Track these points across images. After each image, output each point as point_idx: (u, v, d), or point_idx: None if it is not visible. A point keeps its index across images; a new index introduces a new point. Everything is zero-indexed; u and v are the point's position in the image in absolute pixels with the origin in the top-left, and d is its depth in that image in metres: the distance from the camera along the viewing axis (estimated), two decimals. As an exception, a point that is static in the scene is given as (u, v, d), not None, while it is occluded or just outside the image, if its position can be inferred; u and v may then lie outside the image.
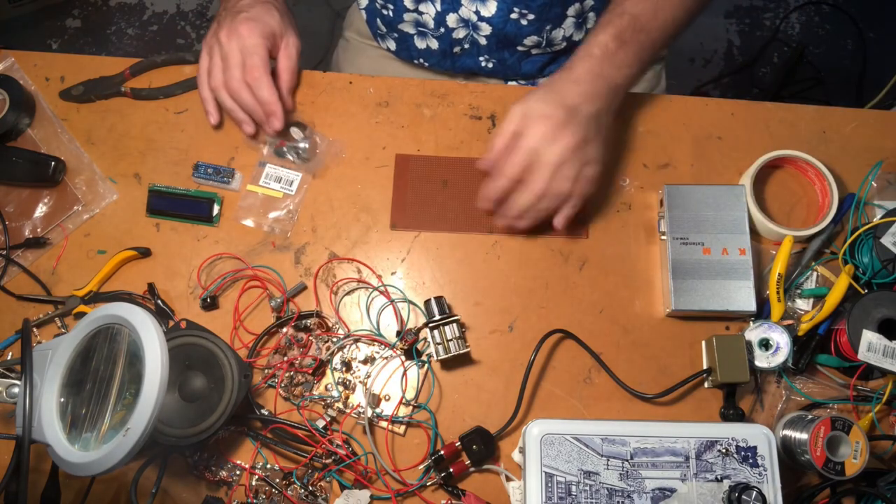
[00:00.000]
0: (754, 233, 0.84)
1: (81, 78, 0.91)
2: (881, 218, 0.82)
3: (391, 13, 0.97)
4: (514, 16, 0.91)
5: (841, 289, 0.78)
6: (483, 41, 0.96)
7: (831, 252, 0.84)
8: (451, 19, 0.94)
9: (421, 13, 0.95)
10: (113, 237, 0.86)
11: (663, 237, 0.82)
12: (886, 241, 0.80)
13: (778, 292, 0.79)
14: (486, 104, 0.91)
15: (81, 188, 0.88)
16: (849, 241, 0.81)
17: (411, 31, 0.99)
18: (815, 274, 0.82)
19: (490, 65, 1.01)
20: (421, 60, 1.04)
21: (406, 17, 0.96)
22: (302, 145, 0.88)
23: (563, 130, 0.75)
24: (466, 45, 0.98)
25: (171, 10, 2.16)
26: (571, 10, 0.93)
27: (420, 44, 1.00)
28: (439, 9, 0.93)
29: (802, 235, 0.82)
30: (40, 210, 0.88)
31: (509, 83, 1.05)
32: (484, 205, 0.81)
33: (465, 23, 0.94)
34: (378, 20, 1.02)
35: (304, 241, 0.86)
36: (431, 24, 0.95)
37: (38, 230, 0.87)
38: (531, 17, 0.91)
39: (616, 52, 0.79)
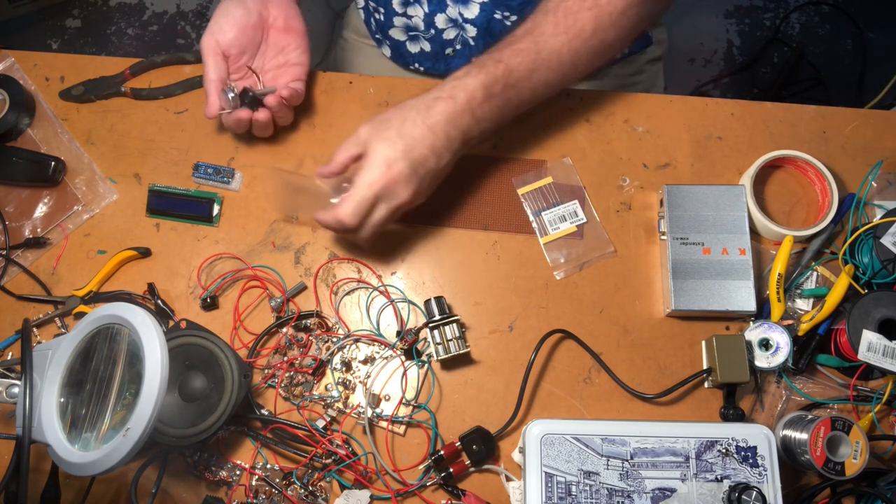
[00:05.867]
0: (754, 233, 0.84)
1: (81, 78, 0.91)
2: (881, 218, 0.82)
3: (382, 17, 0.97)
4: (497, 16, 0.91)
5: (841, 289, 0.78)
6: (472, 41, 0.96)
7: (831, 252, 0.84)
8: (440, 20, 0.94)
9: (410, 16, 0.95)
10: (113, 237, 0.86)
11: (663, 237, 0.82)
12: (886, 241, 0.80)
13: (778, 292, 0.79)
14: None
15: (81, 188, 0.88)
16: (849, 241, 0.81)
17: (402, 37, 0.99)
18: (815, 274, 0.82)
19: None
20: (416, 65, 1.04)
21: (396, 21, 0.96)
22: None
23: (401, 188, 0.73)
24: (458, 46, 0.98)
25: (171, 10, 2.16)
26: None
27: (413, 48, 1.00)
28: (427, 10, 0.93)
29: (802, 235, 0.82)
30: (40, 210, 0.88)
31: None
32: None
33: (454, 22, 0.94)
34: (372, 22, 1.02)
35: (304, 241, 0.86)
36: (422, 25, 0.95)
37: (38, 230, 0.87)
38: (514, 18, 0.91)
39: (481, 103, 0.75)
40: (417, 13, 0.94)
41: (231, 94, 0.81)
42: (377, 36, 1.04)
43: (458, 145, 0.76)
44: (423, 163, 0.74)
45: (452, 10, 0.92)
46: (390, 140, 0.73)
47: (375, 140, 0.74)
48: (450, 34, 0.96)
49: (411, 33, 0.98)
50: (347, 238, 0.83)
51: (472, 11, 0.91)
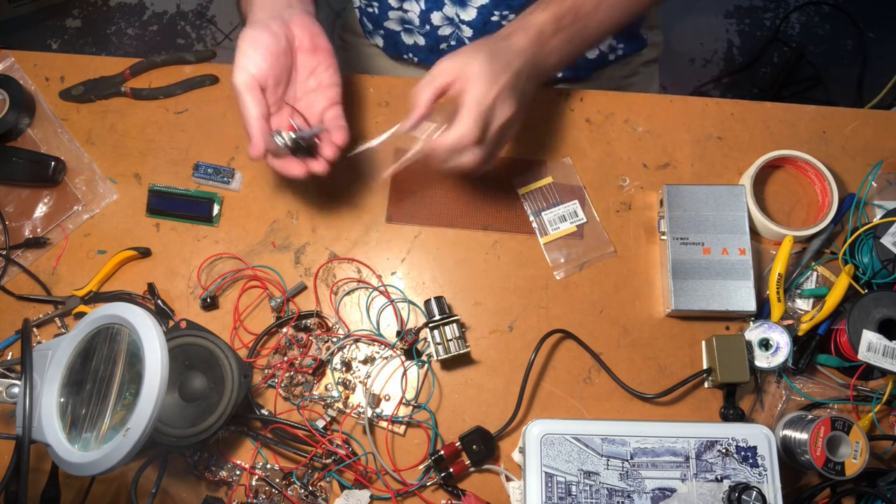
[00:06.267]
0: (754, 233, 0.84)
1: (81, 78, 0.91)
2: (881, 218, 0.82)
3: (376, 10, 0.97)
4: (494, 18, 0.91)
5: (841, 289, 0.78)
6: (468, 39, 0.96)
7: (831, 252, 0.84)
8: (436, 17, 0.94)
9: (406, 11, 0.95)
10: (113, 237, 0.86)
11: (663, 237, 0.82)
12: (886, 241, 0.80)
13: (778, 292, 0.79)
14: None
15: (81, 188, 0.88)
16: (849, 241, 0.81)
17: (397, 28, 0.99)
18: (815, 274, 0.82)
19: None
20: (410, 55, 1.03)
21: (391, 14, 0.96)
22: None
23: (507, 102, 0.72)
24: (453, 42, 0.98)
25: (171, 10, 2.16)
26: None
27: (407, 40, 1.00)
28: (423, 7, 0.93)
29: (802, 235, 0.82)
30: (40, 210, 0.88)
31: None
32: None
33: (450, 21, 0.94)
34: (365, 18, 1.02)
35: (304, 241, 0.86)
36: (417, 21, 0.95)
37: (38, 230, 0.87)
38: (512, 17, 0.91)
39: (550, 37, 0.77)
40: (413, 9, 0.94)
41: (281, 140, 0.73)
42: (369, 28, 1.04)
43: (536, 75, 0.77)
44: (519, 79, 0.74)
45: (449, 10, 0.92)
46: (486, 60, 0.72)
47: (470, 64, 0.71)
48: (445, 31, 0.96)
49: (406, 26, 0.98)
50: (460, 167, 0.74)
51: (469, 14, 0.91)
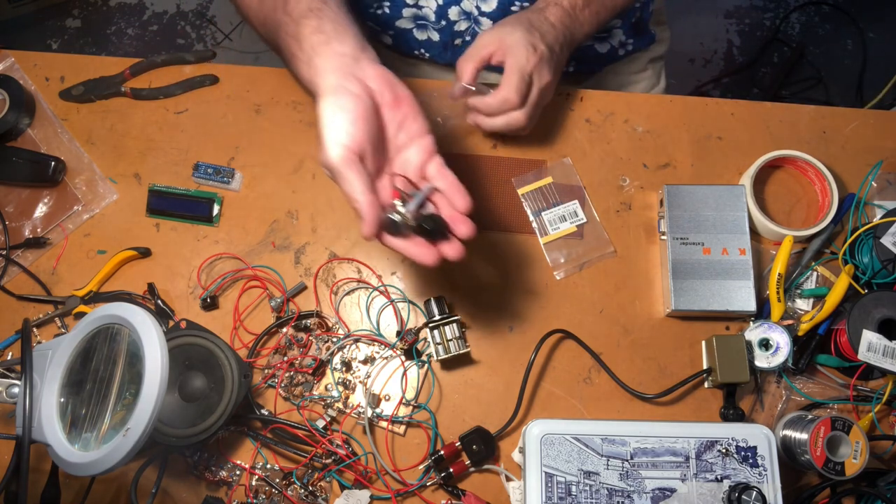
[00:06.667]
0: (754, 233, 0.84)
1: (81, 78, 0.91)
2: (881, 218, 0.82)
3: (387, 10, 0.97)
4: (514, 9, 0.91)
5: (841, 289, 0.78)
6: None
7: (831, 252, 0.84)
8: (454, 12, 0.93)
9: (421, 7, 0.94)
10: (113, 237, 0.86)
11: (663, 237, 0.82)
12: (886, 241, 0.80)
13: (778, 292, 0.79)
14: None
15: (81, 188, 0.88)
16: (849, 241, 0.81)
17: (409, 25, 0.98)
18: (815, 274, 0.82)
19: None
20: (422, 51, 1.03)
21: (405, 12, 0.96)
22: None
23: (546, 68, 0.79)
24: (468, 38, 0.98)
25: (171, 10, 2.16)
26: None
27: (420, 35, 1.00)
28: (441, 2, 0.92)
29: (802, 235, 0.82)
30: (40, 210, 0.88)
31: None
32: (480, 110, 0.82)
33: (468, 16, 0.94)
34: (369, 22, 1.00)
35: (304, 241, 0.86)
36: (432, 16, 0.95)
37: (38, 230, 0.87)
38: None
39: (583, 9, 0.84)
40: (429, 4, 0.93)
41: (398, 217, 0.63)
42: (375, 30, 1.03)
43: (568, 42, 0.84)
44: (554, 48, 0.81)
45: (468, 3, 0.92)
46: (525, 31, 0.79)
47: (511, 34, 0.78)
48: (461, 26, 0.96)
49: (419, 22, 0.98)
50: (505, 127, 0.82)
51: (490, 5, 0.91)
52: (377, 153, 0.66)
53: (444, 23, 0.96)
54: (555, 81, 0.82)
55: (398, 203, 0.64)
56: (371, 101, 0.65)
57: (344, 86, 0.64)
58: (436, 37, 0.99)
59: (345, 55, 0.66)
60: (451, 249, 0.65)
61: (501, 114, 0.80)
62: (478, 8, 0.92)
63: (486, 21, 0.94)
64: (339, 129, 0.62)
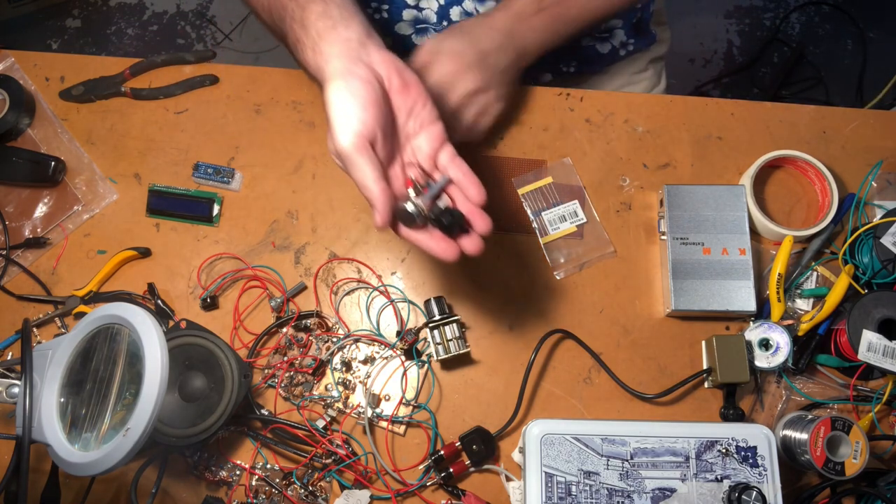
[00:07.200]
0: (754, 233, 0.84)
1: (81, 78, 0.91)
2: (881, 218, 0.82)
3: (386, 14, 0.96)
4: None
5: (841, 289, 0.78)
6: None
7: (831, 252, 0.84)
8: (455, 13, 0.93)
9: (422, 9, 0.94)
10: (113, 237, 0.86)
11: (663, 237, 0.82)
12: (886, 241, 0.80)
13: (778, 292, 0.79)
14: (486, 104, 0.91)
15: (81, 188, 0.88)
16: (849, 241, 0.81)
17: (408, 31, 0.98)
18: (815, 274, 0.82)
19: None
20: None
21: (405, 14, 0.96)
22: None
23: (470, 72, 0.77)
24: None
25: (171, 10, 2.16)
26: None
27: (419, 41, 1.00)
28: (443, 2, 0.92)
29: (802, 235, 0.82)
30: (40, 210, 0.88)
31: None
32: None
33: (469, 16, 0.94)
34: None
35: (304, 241, 0.86)
36: (434, 18, 0.95)
37: (38, 230, 0.87)
38: None
39: (533, 15, 0.81)
40: (431, 6, 0.93)
41: (413, 209, 0.62)
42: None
43: (515, 48, 0.81)
44: (488, 54, 0.78)
45: (469, 3, 0.92)
46: (456, 39, 0.78)
47: (442, 42, 0.78)
48: None
49: (419, 26, 0.97)
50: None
51: (489, 5, 0.91)
52: (388, 140, 0.64)
53: (445, 23, 0.95)
54: (492, 87, 0.79)
55: (412, 193, 0.63)
56: (380, 86, 0.63)
57: (352, 70, 0.62)
58: None
59: (351, 40, 0.64)
60: (471, 244, 0.64)
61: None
62: (476, 10, 0.92)
63: None
64: (349, 114, 0.60)
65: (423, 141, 0.66)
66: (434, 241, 0.63)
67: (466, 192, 0.65)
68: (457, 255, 0.63)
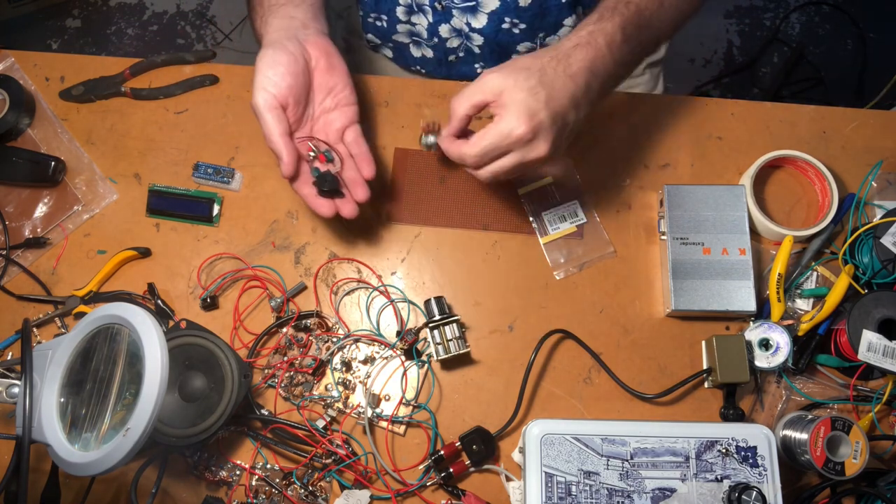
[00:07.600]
0: (754, 233, 0.84)
1: (81, 78, 0.91)
2: (881, 218, 0.82)
3: (385, 24, 0.97)
4: (505, 25, 0.91)
5: (841, 289, 0.78)
6: (477, 49, 0.96)
7: (831, 252, 0.84)
8: (444, 30, 0.94)
9: (414, 24, 0.95)
10: (113, 237, 0.86)
11: (663, 237, 0.82)
12: (886, 241, 0.80)
13: (778, 292, 0.79)
14: (486, 104, 0.91)
15: (81, 188, 0.88)
16: (849, 241, 0.81)
17: (406, 40, 0.99)
18: (815, 274, 0.82)
19: None
20: (418, 68, 1.04)
21: (399, 27, 0.96)
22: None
23: (541, 141, 0.68)
24: (461, 54, 0.98)
25: (171, 10, 2.16)
26: (569, 21, 0.92)
27: (416, 52, 1.00)
28: (431, 20, 0.93)
29: (802, 235, 0.82)
30: (40, 210, 0.88)
31: None
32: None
33: (458, 33, 0.94)
34: (372, 34, 1.01)
35: (304, 241, 0.86)
36: (425, 34, 0.95)
37: (38, 230, 0.87)
38: (523, 26, 0.91)
39: (621, 45, 0.72)
40: (421, 22, 0.94)
41: (315, 173, 0.74)
42: (376, 42, 1.04)
43: (596, 96, 0.72)
44: (564, 115, 0.68)
45: (458, 21, 0.92)
46: (531, 89, 0.67)
47: (513, 90, 0.67)
48: (453, 43, 0.96)
49: (415, 38, 0.98)
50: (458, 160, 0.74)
51: (480, 21, 0.91)
52: (300, 107, 0.75)
53: (436, 40, 0.96)
54: (555, 150, 0.70)
55: (311, 155, 0.75)
56: (304, 63, 0.74)
57: (283, 43, 0.73)
58: (430, 53, 0.99)
59: (294, 18, 0.75)
60: (346, 208, 0.75)
61: (456, 154, 0.72)
62: (468, 25, 0.92)
63: (476, 37, 0.93)
64: (268, 78, 0.71)
65: (336, 116, 0.77)
66: (314, 199, 0.74)
67: (360, 167, 0.76)
68: (332, 214, 0.74)
